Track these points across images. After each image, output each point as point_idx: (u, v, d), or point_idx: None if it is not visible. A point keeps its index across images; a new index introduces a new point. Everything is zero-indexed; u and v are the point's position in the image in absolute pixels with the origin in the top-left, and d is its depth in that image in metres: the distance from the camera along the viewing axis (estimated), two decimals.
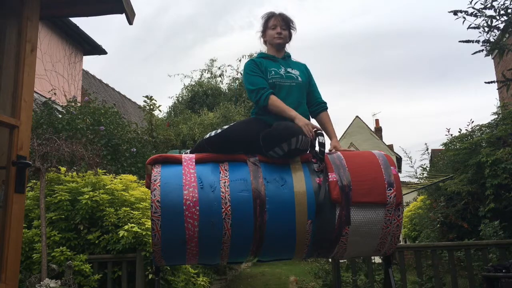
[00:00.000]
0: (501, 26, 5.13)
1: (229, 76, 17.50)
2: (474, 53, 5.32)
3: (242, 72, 3.03)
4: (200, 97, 16.19)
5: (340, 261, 4.81)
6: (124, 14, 2.50)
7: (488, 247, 4.53)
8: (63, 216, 4.38)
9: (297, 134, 2.21)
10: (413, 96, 54.39)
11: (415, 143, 43.25)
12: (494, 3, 5.05)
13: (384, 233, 2.25)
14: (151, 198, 2.13)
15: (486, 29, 5.13)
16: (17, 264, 2.13)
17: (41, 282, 3.71)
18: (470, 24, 5.16)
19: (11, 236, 2.07)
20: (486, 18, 5.09)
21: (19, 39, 2.27)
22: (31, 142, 4.11)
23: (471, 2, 5.12)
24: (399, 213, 2.26)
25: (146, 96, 8.71)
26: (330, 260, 5.04)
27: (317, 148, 2.39)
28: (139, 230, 4.18)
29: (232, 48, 42.95)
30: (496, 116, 7.20)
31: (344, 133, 21.85)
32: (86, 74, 12.40)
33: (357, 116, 22.50)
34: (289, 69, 2.58)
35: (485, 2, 5.08)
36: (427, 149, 8.84)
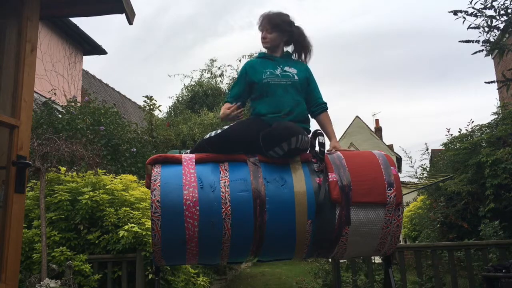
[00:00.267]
0: (501, 26, 5.13)
1: (229, 76, 17.45)
2: (474, 53, 5.32)
3: None
4: (200, 97, 16.17)
5: (340, 261, 4.81)
6: (124, 14, 2.50)
7: (488, 247, 4.53)
8: (63, 216, 4.38)
9: (297, 134, 2.21)
10: (413, 96, 54.46)
11: (415, 143, 43.26)
12: (494, 3, 5.05)
13: (384, 233, 2.25)
14: (151, 198, 2.12)
15: (486, 29, 5.13)
16: (17, 264, 2.13)
17: (41, 282, 3.71)
18: (470, 24, 5.16)
19: (11, 236, 2.07)
20: (486, 18, 5.09)
21: (19, 39, 2.27)
22: (31, 142, 4.11)
23: (471, 2, 5.12)
24: (399, 213, 2.26)
25: (146, 96, 8.72)
26: (330, 260, 5.04)
27: (317, 148, 2.39)
28: (139, 230, 4.18)
29: (232, 48, 43.02)
30: (496, 116, 7.20)
31: (344, 133, 21.86)
32: (86, 74, 12.40)
33: (357, 116, 22.51)
34: (286, 68, 2.57)
35: (485, 2, 5.09)
36: (427, 149, 8.85)
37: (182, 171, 2.21)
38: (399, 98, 54.73)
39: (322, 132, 2.48)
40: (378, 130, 24.07)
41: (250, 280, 8.77)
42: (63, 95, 8.87)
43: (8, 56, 2.31)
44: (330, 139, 2.60)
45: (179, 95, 17.14)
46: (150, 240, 3.55)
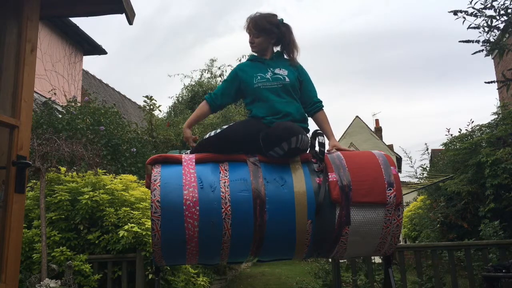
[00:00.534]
0: (501, 26, 5.14)
1: None
2: (474, 53, 5.32)
3: None
4: (200, 97, 16.17)
5: (340, 261, 4.81)
6: (124, 14, 2.50)
7: (488, 247, 4.53)
8: (63, 216, 4.38)
9: (297, 134, 2.21)
10: (413, 96, 54.47)
11: (415, 143, 43.33)
12: (494, 3, 5.06)
13: (384, 233, 2.25)
14: (151, 198, 2.12)
15: (486, 29, 5.14)
16: (17, 264, 2.13)
17: (41, 282, 3.71)
18: (470, 24, 5.17)
19: (11, 236, 2.07)
20: (486, 18, 5.10)
21: (19, 39, 2.27)
22: (31, 142, 4.11)
23: (471, 2, 5.13)
24: (399, 213, 2.26)
25: (146, 96, 8.72)
26: (330, 260, 5.04)
27: (317, 148, 2.39)
28: (139, 230, 4.18)
29: (232, 48, 42.99)
30: (496, 116, 7.22)
31: (344, 133, 21.86)
32: (86, 74, 12.40)
33: (357, 116, 22.51)
34: (276, 70, 2.53)
35: (485, 2, 5.09)
36: (427, 149, 8.87)
37: (182, 171, 2.21)
38: (399, 98, 54.78)
39: (322, 132, 2.48)
40: (378, 130, 24.07)
41: (250, 280, 8.77)
42: (63, 95, 8.87)
43: (8, 56, 2.30)
44: (328, 138, 2.57)
45: (179, 95, 17.17)
46: (150, 240, 3.55)
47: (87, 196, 4.32)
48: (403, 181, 8.64)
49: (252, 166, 2.26)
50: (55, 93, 7.90)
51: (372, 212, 2.22)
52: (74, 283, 3.88)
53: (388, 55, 59.05)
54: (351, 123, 22.36)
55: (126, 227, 4.20)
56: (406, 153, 8.65)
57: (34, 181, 4.74)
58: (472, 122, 7.28)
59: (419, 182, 8.48)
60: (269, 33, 2.57)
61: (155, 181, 2.17)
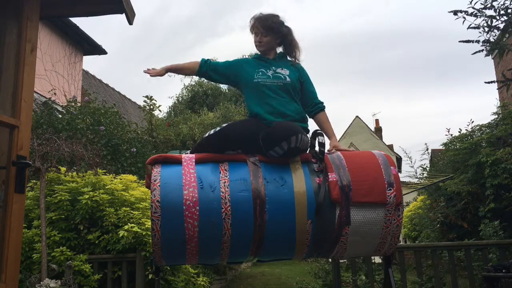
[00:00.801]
0: (501, 26, 5.14)
1: None
2: (474, 53, 5.32)
3: None
4: (200, 97, 16.21)
5: (340, 261, 4.81)
6: (124, 14, 2.50)
7: (488, 247, 4.53)
8: (63, 216, 4.38)
9: (296, 133, 2.22)
10: (413, 96, 54.45)
11: (415, 143, 43.32)
12: (494, 3, 5.06)
13: (384, 233, 2.25)
14: (151, 198, 2.12)
15: (486, 29, 5.14)
16: (17, 264, 2.13)
17: (41, 282, 3.71)
18: (470, 24, 5.17)
19: (11, 236, 2.07)
20: (486, 18, 5.10)
21: (19, 39, 2.27)
22: (31, 142, 4.11)
23: (471, 2, 5.13)
24: (399, 213, 2.26)
25: (146, 96, 8.73)
26: (330, 260, 5.04)
27: (317, 148, 2.39)
28: (139, 230, 4.18)
29: (232, 48, 42.99)
30: (496, 116, 7.22)
31: (344, 133, 21.85)
32: (86, 74, 12.40)
33: (357, 116, 22.50)
34: (278, 69, 2.57)
35: (485, 2, 5.09)
36: (427, 149, 8.87)
37: (182, 171, 2.21)
38: (399, 98, 54.76)
39: (322, 132, 2.48)
40: (378, 130, 24.06)
41: (250, 280, 8.77)
42: (63, 95, 8.87)
43: (8, 56, 2.30)
44: (329, 138, 2.59)
45: (179, 95, 17.21)
46: (150, 240, 3.55)
47: (87, 196, 4.32)
48: (403, 181, 8.63)
49: (252, 166, 2.26)
50: (55, 93, 7.90)
51: (372, 212, 2.22)
52: (74, 283, 3.88)
53: (388, 55, 59.03)
54: (351, 123, 22.35)
55: (126, 227, 4.20)
56: (406, 153, 8.65)
57: (34, 181, 4.74)
58: (472, 122, 7.29)
59: (419, 182, 8.48)
60: (277, 32, 2.62)
61: (155, 181, 2.17)
